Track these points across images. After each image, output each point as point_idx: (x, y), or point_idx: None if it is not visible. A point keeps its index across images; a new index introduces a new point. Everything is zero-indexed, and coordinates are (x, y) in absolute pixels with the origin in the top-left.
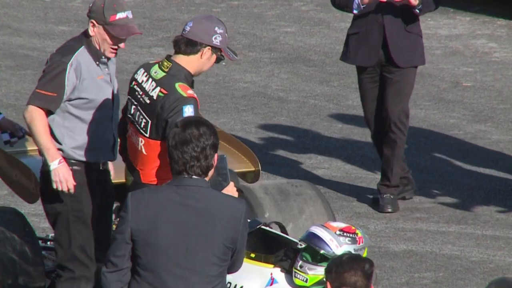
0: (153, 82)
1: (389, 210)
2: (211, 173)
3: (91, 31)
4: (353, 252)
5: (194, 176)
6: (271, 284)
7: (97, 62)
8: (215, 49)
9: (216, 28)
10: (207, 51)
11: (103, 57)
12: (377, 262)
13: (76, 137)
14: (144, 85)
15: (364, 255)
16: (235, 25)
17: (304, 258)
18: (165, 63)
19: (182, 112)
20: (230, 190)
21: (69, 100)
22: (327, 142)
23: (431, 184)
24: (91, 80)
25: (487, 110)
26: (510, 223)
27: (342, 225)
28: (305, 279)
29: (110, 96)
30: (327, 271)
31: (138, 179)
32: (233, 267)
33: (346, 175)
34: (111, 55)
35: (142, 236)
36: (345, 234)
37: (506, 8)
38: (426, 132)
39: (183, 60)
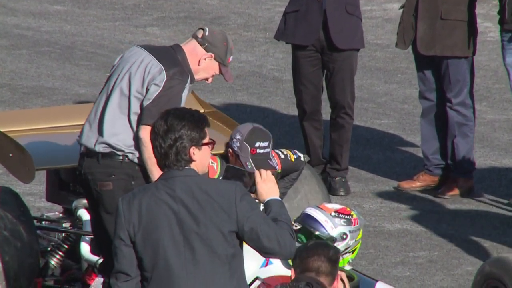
0: None
1: (342, 193)
2: (201, 166)
3: (202, 62)
4: (348, 233)
5: (175, 168)
6: (266, 265)
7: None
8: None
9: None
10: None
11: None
12: (372, 241)
13: None
14: None
15: (359, 236)
16: (230, 4)
17: (299, 240)
18: None
19: None
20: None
21: None
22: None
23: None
24: (185, 100)
25: (482, 89)
26: (504, 202)
27: (337, 206)
28: None
29: None
30: (293, 258)
31: None
32: (265, 245)
33: None
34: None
35: (140, 236)
36: (340, 215)
37: None
38: None
39: None
